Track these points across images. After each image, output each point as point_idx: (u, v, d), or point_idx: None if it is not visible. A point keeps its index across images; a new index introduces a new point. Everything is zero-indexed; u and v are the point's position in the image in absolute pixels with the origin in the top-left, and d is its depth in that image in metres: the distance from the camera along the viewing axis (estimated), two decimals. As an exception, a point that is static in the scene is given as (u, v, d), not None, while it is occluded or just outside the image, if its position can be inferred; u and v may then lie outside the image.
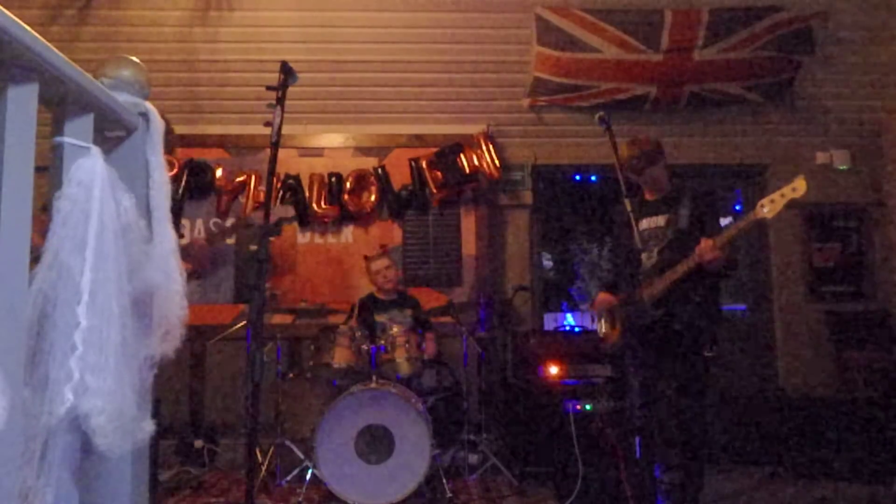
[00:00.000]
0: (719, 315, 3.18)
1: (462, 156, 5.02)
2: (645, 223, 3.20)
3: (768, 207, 2.78)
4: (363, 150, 5.15)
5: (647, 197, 3.28)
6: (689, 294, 3.00)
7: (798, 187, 2.76)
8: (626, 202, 2.72)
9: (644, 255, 3.15)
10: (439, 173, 5.03)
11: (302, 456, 3.97)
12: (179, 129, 4.89)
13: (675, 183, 3.28)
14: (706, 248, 2.83)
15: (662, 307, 3.01)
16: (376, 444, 3.58)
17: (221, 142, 5.09)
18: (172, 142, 2.73)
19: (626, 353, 3.14)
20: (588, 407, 3.84)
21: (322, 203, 5.00)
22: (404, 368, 3.84)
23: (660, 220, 3.18)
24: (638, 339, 3.09)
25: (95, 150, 0.98)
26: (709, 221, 3.10)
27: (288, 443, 4.07)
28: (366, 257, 4.65)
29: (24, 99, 0.84)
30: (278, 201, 4.97)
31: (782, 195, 2.77)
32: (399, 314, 4.42)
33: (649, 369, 3.04)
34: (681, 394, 3.03)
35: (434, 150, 5.05)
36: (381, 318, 4.36)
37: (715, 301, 3.13)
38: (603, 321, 3.36)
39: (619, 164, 2.82)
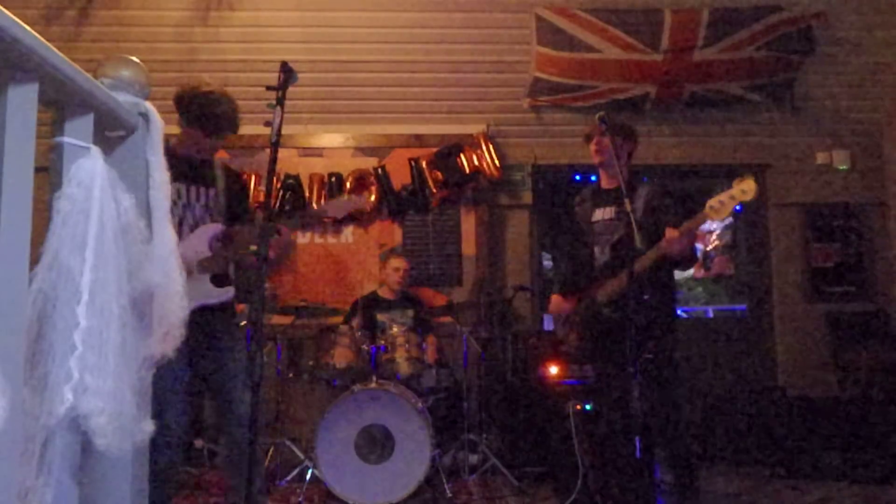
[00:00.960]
0: (674, 317, 3.09)
1: (462, 156, 5.02)
2: (598, 213, 3.08)
3: (717, 209, 2.74)
4: (363, 150, 5.15)
5: (603, 185, 3.16)
6: (641, 294, 2.86)
7: (747, 189, 2.71)
8: (627, 202, 2.67)
9: (597, 249, 3.04)
10: (439, 173, 5.03)
11: (302, 456, 3.97)
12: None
13: (633, 176, 3.13)
14: (673, 238, 2.76)
15: (617, 309, 2.89)
16: (376, 444, 3.58)
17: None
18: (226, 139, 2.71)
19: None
20: (588, 407, 3.84)
21: (322, 203, 5.00)
22: (404, 368, 3.84)
23: (611, 213, 3.05)
24: (595, 340, 3.02)
25: (95, 150, 0.98)
26: (668, 216, 2.97)
27: (288, 443, 4.07)
28: (384, 254, 4.68)
29: (24, 99, 0.84)
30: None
31: (732, 197, 2.73)
32: (401, 315, 4.42)
33: (617, 369, 2.95)
34: (652, 395, 2.97)
35: (434, 150, 5.05)
36: (382, 317, 4.36)
37: (669, 301, 3.05)
38: (559, 324, 3.25)
39: (619, 163, 2.79)
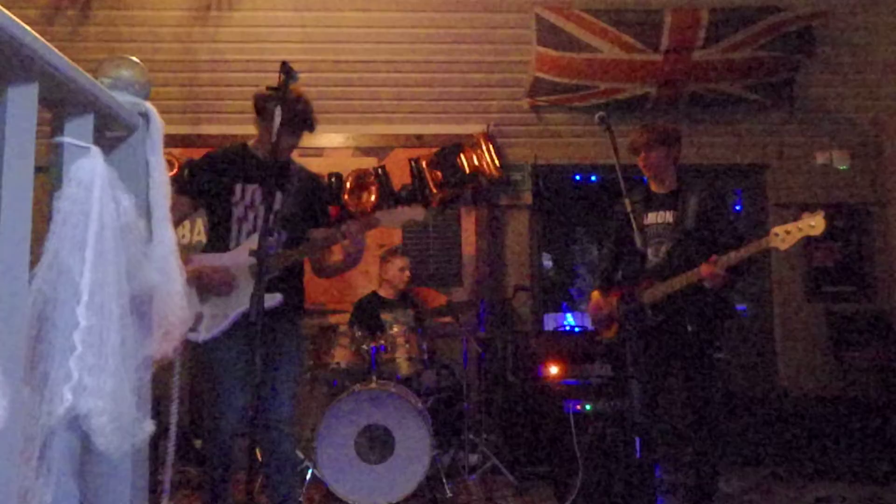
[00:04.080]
0: (729, 315, 3.13)
1: (462, 156, 5.02)
2: (651, 217, 3.13)
3: (783, 238, 2.74)
4: (363, 150, 5.15)
5: (654, 189, 3.21)
6: (694, 297, 2.92)
7: (816, 225, 2.70)
8: (626, 202, 2.67)
9: (650, 252, 3.07)
10: (439, 173, 5.02)
11: (302, 456, 3.97)
12: (179, 130, 4.88)
13: (682, 179, 3.20)
14: (710, 271, 2.78)
15: (662, 313, 2.95)
16: (376, 444, 3.58)
17: (221, 142, 5.08)
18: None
19: (626, 352, 3.09)
20: (588, 407, 3.84)
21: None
22: (404, 368, 3.84)
23: (668, 216, 3.10)
24: (636, 339, 3.05)
25: (95, 150, 0.98)
26: (719, 223, 3.03)
27: (288, 443, 4.07)
28: (385, 254, 4.63)
29: (24, 99, 0.84)
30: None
31: (799, 229, 2.72)
32: (403, 314, 4.41)
33: (652, 369, 3.00)
34: (688, 394, 3.01)
35: (434, 150, 5.05)
36: (386, 317, 4.35)
37: (723, 302, 3.07)
38: (598, 319, 3.30)
39: (619, 164, 2.79)
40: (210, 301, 2.58)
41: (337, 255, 2.77)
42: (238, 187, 2.62)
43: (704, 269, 2.81)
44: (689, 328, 2.91)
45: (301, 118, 2.61)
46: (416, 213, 2.75)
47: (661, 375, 3.01)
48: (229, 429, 2.57)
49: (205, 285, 2.56)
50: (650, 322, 2.97)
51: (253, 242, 2.51)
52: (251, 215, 2.63)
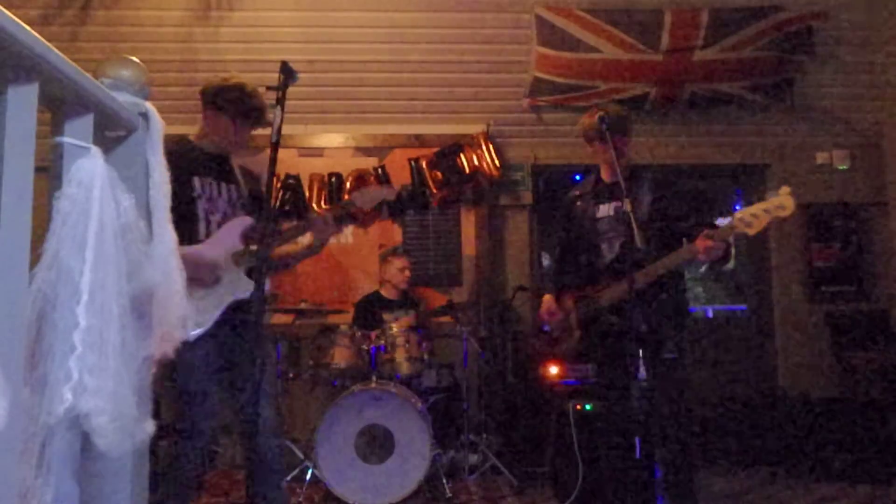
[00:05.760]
0: (685, 317, 2.95)
1: (462, 156, 5.02)
2: (603, 209, 2.93)
3: (749, 222, 2.52)
4: (363, 150, 5.15)
5: (605, 178, 2.99)
6: (651, 298, 2.76)
7: (786, 206, 2.48)
8: (627, 202, 2.62)
9: (604, 247, 2.90)
10: (439, 173, 5.03)
11: (302, 456, 3.97)
12: (179, 129, 4.87)
13: (631, 166, 2.97)
14: (706, 244, 2.55)
15: (622, 314, 2.76)
16: (376, 444, 3.58)
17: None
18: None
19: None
20: (588, 407, 3.83)
21: (322, 203, 5.00)
22: (404, 368, 3.84)
23: (612, 208, 2.91)
24: (598, 341, 2.92)
25: (95, 150, 0.98)
26: (675, 210, 2.84)
27: (288, 443, 4.07)
28: (385, 254, 4.61)
29: (24, 99, 0.84)
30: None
31: (766, 211, 2.51)
32: (404, 314, 4.42)
33: (620, 372, 2.90)
34: (651, 396, 2.93)
35: (434, 150, 5.05)
36: (387, 317, 4.36)
37: (681, 302, 2.93)
38: (556, 323, 3.09)
39: (617, 161, 2.72)
40: (196, 296, 2.44)
41: (299, 244, 2.71)
42: (196, 181, 2.55)
43: (700, 243, 2.58)
44: (643, 328, 2.68)
45: (258, 111, 2.59)
46: (387, 192, 2.76)
47: (627, 377, 2.90)
48: (208, 429, 2.47)
49: (189, 279, 2.48)
50: (610, 324, 2.82)
51: (228, 234, 2.50)
52: (215, 208, 2.58)
